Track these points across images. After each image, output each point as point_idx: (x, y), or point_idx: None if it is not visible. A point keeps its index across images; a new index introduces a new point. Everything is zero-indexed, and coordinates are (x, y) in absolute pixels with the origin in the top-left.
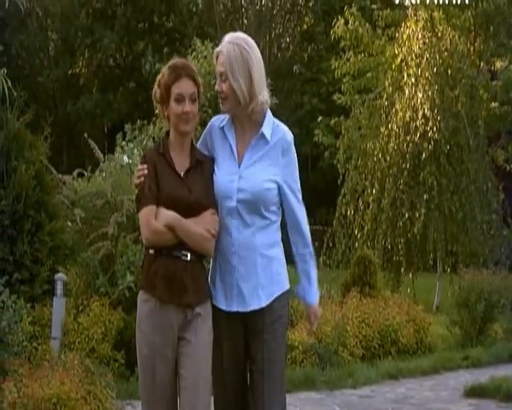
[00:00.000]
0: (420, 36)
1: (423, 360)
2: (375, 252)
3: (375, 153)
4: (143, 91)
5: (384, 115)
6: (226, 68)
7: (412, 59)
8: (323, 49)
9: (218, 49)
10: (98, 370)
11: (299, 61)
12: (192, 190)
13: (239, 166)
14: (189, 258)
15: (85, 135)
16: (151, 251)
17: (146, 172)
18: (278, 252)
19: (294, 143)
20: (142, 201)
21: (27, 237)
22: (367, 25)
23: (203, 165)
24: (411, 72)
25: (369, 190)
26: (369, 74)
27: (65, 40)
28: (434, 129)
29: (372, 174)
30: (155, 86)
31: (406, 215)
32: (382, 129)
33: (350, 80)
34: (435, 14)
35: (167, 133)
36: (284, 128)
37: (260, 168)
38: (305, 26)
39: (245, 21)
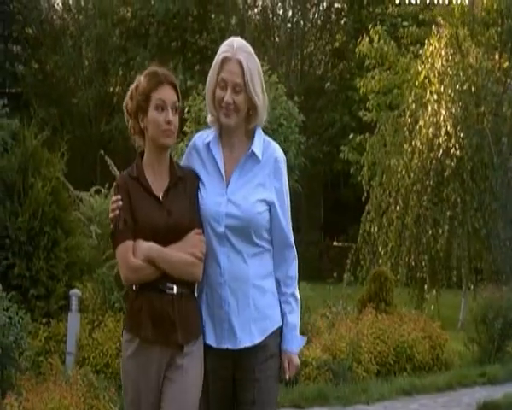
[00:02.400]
0: (443, 53)
1: (439, 377)
2: (398, 269)
3: (399, 170)
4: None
5: (408, 132)
6: (247, 81)
7: (435, 76)
8: (354, 66)
9: (227, 54)
10: (102, 384)
11: (330, 79)
12: (171, 211)
13: (226, 187)
14: (175, 291)
15: (101, 152)
16: (133, 287)
17: (120, 203)
18: (272, 283)
19: (326, 161)
20: (117, 237)
21: (43, 254)
22: (392, 42)
23: (185, 181)
24: (434, 89)
25: (392, 207)
26: (394, 91)
27: (99, 59)
28: (457, 146)
29: (396, 191)
30: (127, 98)
31: (430, 232)
32: (406, 146)
33: (375, 98)
34: (460, 31)
35: (140, 154)
36: (276, 146)
37: (250, 190)
38: (336, 44)
39: (276, 39)
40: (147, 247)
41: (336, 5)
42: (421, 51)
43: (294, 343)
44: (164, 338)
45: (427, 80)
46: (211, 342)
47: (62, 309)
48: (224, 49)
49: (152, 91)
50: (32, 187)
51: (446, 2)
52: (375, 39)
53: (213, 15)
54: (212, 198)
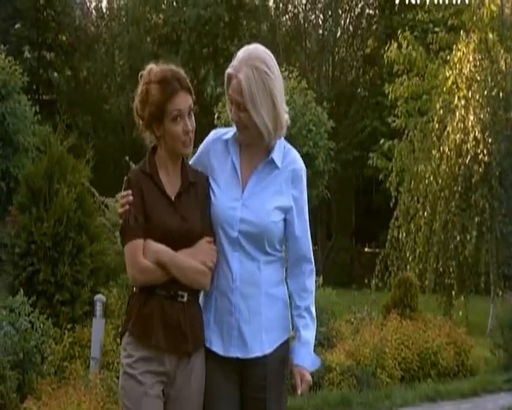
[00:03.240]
0: (471, 58)
1: (463, 383)
2: (426, 275)
3: (427, 175)
4: (207, 115)
5: (436, 138)
6: (246, 99)
7: (463, 81)
8: (385, 72)
9: (229, 70)
10: None
11: (361, 85)
12: (185, 217)
13: (242, 192)
14: (185, 299)
15: (126, 158)
16: (135, 288)
17: (131, 198)
18: (284, 292)
19: (357, 166)
20: (127, 234)
21: (68, 259)
22: (420, 48)
23: (196, 186)
24: (462, 94)
25: (420, 213)
26: (423, 97)
27: (131, 66)
28: (485, 151)
29: (424, 197)
30: (136, 100)
31: (458, 238)
32: (434, 151)
33: (404, 104)
34: (489, 36)
35: (153, 149)
36: (296, 154)
37: (267, 197)
38: (367, 50)
39: (308, 45)
40: (158, 249)
41: (368, 11)
42: (449, 57)
43: (307, 360)
44: (175, 347)
45: (455, 86)
46: (217, 349)
47: (87, 315)
48: (233, 61)
49: (167, 103)
50: (58, 193)
51: (475, 8)
52: (404, 45)
53: (245, 22)
54: (226, 201)
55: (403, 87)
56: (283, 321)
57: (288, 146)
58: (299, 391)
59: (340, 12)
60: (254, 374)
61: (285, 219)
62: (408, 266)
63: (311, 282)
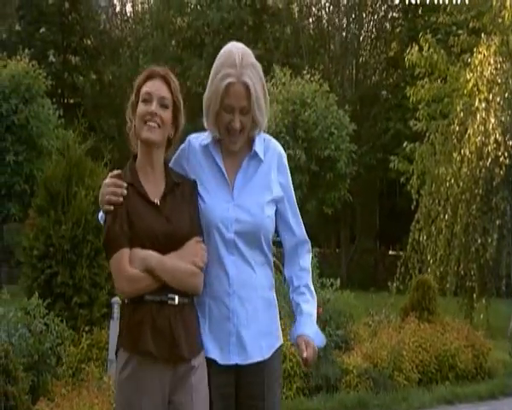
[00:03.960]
0: (492, 61)
1: (481, 386)
2: (447, 278)
3: (448, 178)
4: None
5: (456, 141)
6: (252, 103)
7: (483, 84)
8: (409, 75)
9: (232, 80)
10: None
11: (385, 87)
12: (170, 218)
13: (232, 192)
14: (177, 301)
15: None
16: (126, 300)
17: (125, 192)
18: (274, 297)
19: (380, 169)
20: (111, 244)
21: (86, 262)
22: (442, 51)
23: (182, 187)
24: (483, 97)
25: (441, 216)
26: (445, 100)
27: None
28: (506, 154)
29: (445, 200)
30: (133, 95)
31: (479, 241)
32: (455, 154)
33: (425, 107)
34: (510, 38)
35: (134, 158)
36: (275, 142)
37: (257, 193)
38: (391, 53)
39: (331, 48)
40: (145, 255)
41: (391, 14)
42: (470, 60)
43: (311, 329)
44: (167, 353)
45: (475, 88)
46: (215, 356)
47: (105, 317)
48: (225, 71)
49: (141, 86)
50: (76, 196)
51: (497, 10)
52: (425, 48)
53: (268, 25)
54: (218, 204)
55: (424, 90)
56: (276, 327)
57: (268, 136)
58: (304, 354)
59: (364, 15)
60: (252, 381)
61: (276, 210)
62: (429, 269)
63: (307, 260)
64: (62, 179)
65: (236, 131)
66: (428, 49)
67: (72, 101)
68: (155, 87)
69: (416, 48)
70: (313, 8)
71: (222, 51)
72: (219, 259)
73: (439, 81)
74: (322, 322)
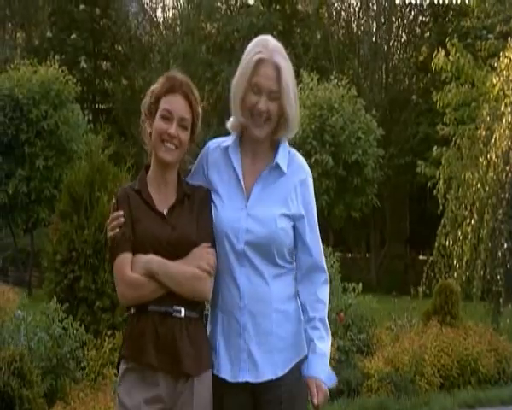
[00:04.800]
0: None
1: (504, 390)
2: (474, 282)
3: (474, 183)
4: None
5: (482, 145)
6: (284, 88)
7: (510, 88)
8: (438, 79)
9: (263, 56)
10: None
11: (415, 92)
12: (176, 226)
13: (247, 201)
14: (183, 314)
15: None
16: (132, 310)
17: (122, 220)
18: (297, 307)
19: (410, 173)
20: (114, 250)
21: (109, 266)
22: (469, 55)
23: (193, 198)
24: (509, 101)
25: (468, 221)
26: (472, 105)
27: (186, 74)
28: None
29: (471, 204)
30: (147, 97)
31: (505, 245)
32: (481, 159)
33: (452, 111)
34: None
35: (146, 168)
36: (302, 159)
37: (273, 204)
38: (421, 57)
39: (361, 52)
40: (146, 259)
41: (421, 18)
42: (496, 64)
43: (323, 372)
44: (168, 365)
45: (502, 93)
46: (226, 375)
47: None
48: (257, 48)
49: (162, 96)
50: (98, 201)
51: None
52: (452, 52)
53: (298, 30)
54: (230, 212)
55: (451, 94)
56: (297, 339)
57: (293, 151)
58: (314, 400)
59: (393, 19)
60: (268, 400)
61: (294, 228)
62: (455, 274)
63: (324, 292)
64: (85, 184)
65: (261, 116)
66: (455, 54)
67: (103, 106)
68: (176, 106)
69: (443, 52)
70: (343, 13)
71: (254, 40)
72: (230, 270)
73: (466, 86)
74: (345, 327)
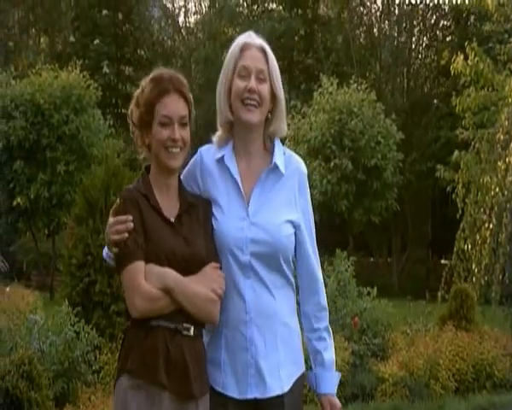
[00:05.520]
0: None
1: None
2: (492, 287)
3: (493, 187)
4: None
5: (501, 149)
6: (271, 68)
7: None
8: (459, 84)
9: (246, 40)
10: None
11: (436, 96)
12: (188, 240)
13: (247, 208)
14: (192, 332)
15: None
16: (135, 323)
17: (131, 225)
18: (296, 323)
19: (431, 177)
20: (125, 257)
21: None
22: (488, 59)
23: (197, 208)
24: None
25: (486, 225)
26: (492, 109)
27: (207, 79)
28: None
29: (490, 208)
30: (132, 105)
31: None
32: (500, 163)
33: (471, 115)
34: None
35: (147, 168)
36: (298, 158)
37: (275, 209)
38: (442, 62)
39: (382, 56)
40: (163, 272)
41: (442, 22)
42: None
43: (334, 385)
44: (178, 387)
45: None
46: (233, 393)
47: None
48: (240, 38)
49: (156, 102)
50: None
51: None
52: (471, 56)
53: (320, 34)
54: (232, 222)
55: (470, 99)
56: (298, 354)
57: (288, 151)
58: None
59: (415, 23)
60: None
61: (295, 234)
62: (474, 278)
63: (324, 299)
64: (101, 189)
65: (254, 96)
66: (474, 58)
67: (125, 111)
68: (174, 107)
69: (462, 56)
70: (364, 18)
71: None
72: (235, 283)
73: (485, 90)
74: (360, 331)
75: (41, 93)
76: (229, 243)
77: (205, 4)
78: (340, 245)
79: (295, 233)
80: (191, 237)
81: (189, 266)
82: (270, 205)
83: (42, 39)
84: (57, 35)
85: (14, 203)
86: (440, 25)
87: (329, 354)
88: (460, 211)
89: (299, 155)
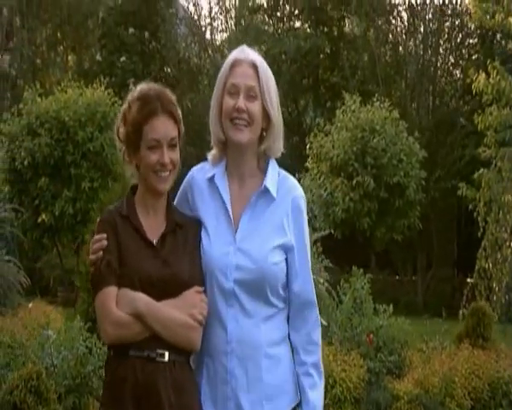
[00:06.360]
0: None
1: None
2: None
3: None
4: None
5: None
6: (262, 84)
7: None
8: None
9: (238, 56)
10: None
11: (461, 114)
12: (168, 261)
13: (235, 232)
14: (166, 358)
15: None
16: (112, 351)
17: (105, 243)
18: (287, 351)
19: (456, 195)
20: (97, 282)
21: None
22: (510, 78)
23: (186, 229)
24: None
25: (507, 243)
26: None
27: None
28: None
29: (511, 227)
30: (118, 121)
31: None
32: None
33: (493, 133)
34: None
35: (132, 189)
36: (294, 181)
37: (264, 235)
38: (468, 80)
39: (408, 75)
40: (134, 297)
41: (468, 40)
42: None
43: None
44: None
45: None
46: None
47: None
48: (233, 54)
49: (143, 124)
50: None
51: None
52: (493, 75)
53: (345, 52)
54: (217, 247)
55: (492, 117)
56: (288, 385)
57: (283, 172)
58: None
59: (441, 42)
60: None
61: (286, 260)
62: (495, 296)
63: (317, 333)
64: None
65: (243, 116)
66: (496, 76)
67: None
68: (163, 130)
69: (483, 75)
70: (390, 36)
71: None
72: (217, 311)
73: (507, 108)
74: (376, 348)
75: (66, 110)
76: (214, 267)
77: (231, 22)
78: (362, 263)
79: (287, 258)
80: (172, 259)
81: (168, 289)
82: (259, 231)
83: (69, 57)
84: (84, 52)
85: (39, 220)
86: (466, 43)
87: (315, 395)
88: (481, 229)
89: (322, 173)
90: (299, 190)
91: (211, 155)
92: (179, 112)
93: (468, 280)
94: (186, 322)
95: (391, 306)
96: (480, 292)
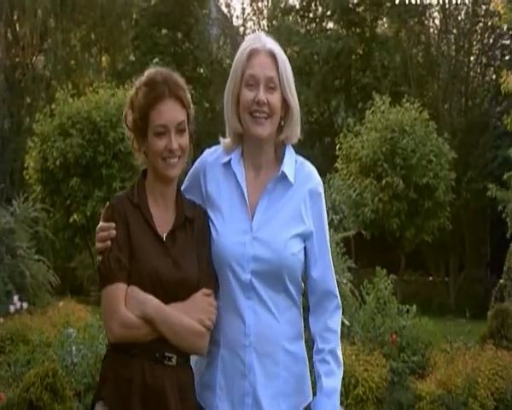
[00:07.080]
0: None
1: None
2: None
3: None
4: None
5: None
6: (282, 73)
7: None
8: None
9: (255, 46)
10: None
11: (494, 115)
12: (178, 262)
13: (251, 221)
14: (174, 362)
15: None
16: (115, 348)
17: (113, 232)
18: (302, 347)
19: (488, 196)
20: (106, 276)
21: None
22: None
23: (194, 224)
24: None
25: None
26: None
27: None
28: None
29: None
30: (126, 108)
31: None
32: None
33: None
34: None
35: (143, 173)
36: (311, 167)
37: (282, 223)
38: (500, 81)
39: (440, 75)
40: (145, 300)
41: (501, 42)
42: None
43: None
44: None
45: None
46: None
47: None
48: (249, 42)
49: (150, 110)
50: None
51: None
52: None
53: (377, 53)
54: (233, 236)
55: None
56: (304, 384)
57: (301, 159)
58: None
59: (474, 42)
60: None
61: (304, 248)
62: None
63: (336, 320)
64: None
65: (262, 110)
66: None
67: None
68: (170, 115)
69: (511, 76)
70: (422, 36)
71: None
72: (234, 303)
73: None
74: (399, 348)
75: (97, 111)
76: (229, 258)
77: (263, 23)
78: (392, 264)
79: (305, 246)
80: (182, 259)
81: (176, 292)
82: (277, 219)
83: (103, 58)
84: (118, 54)
85: (71, 220)
86: (498, 44)
87: (331, 382)
88: (510, 230)
89: (351, 174)
90: (316, 176)
91: (224, 142)
92: (188, 95)
93: (501, 281)
94: (194, 328)
95: (414, 306)
96: (508, 293)
